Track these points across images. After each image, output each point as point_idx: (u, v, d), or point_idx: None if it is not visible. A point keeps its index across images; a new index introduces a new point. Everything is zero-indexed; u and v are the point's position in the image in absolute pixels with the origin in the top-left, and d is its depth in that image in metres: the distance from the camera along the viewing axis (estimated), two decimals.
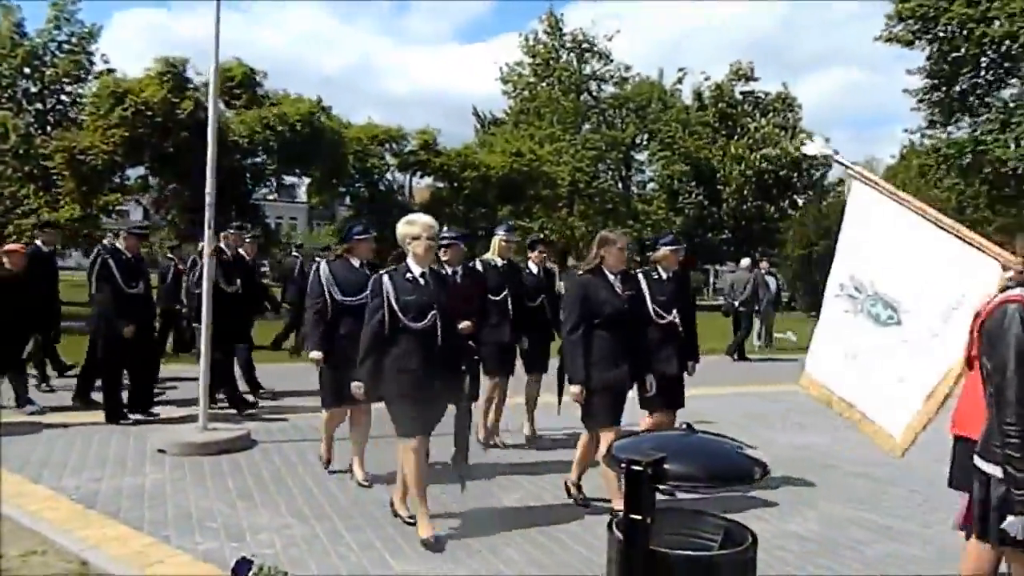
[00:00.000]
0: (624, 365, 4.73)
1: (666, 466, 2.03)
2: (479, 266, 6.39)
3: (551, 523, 4.72)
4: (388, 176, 27.83)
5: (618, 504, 4.55)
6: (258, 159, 23.04)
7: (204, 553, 4.10)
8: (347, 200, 28.93)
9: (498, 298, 6.31)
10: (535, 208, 29.14)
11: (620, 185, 36.65)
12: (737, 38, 71.69)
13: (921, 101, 24.83)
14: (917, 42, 23.84)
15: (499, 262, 6.42)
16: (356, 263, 5.34)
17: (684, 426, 2.15)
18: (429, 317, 4.31)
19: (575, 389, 4.63)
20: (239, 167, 21.82)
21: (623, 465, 2.03)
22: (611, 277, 4.79)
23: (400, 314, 4.29)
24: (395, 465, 5.24)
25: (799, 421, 8.18)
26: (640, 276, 5.31)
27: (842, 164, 4.00)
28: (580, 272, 4.90)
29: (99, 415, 7.08)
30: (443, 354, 4.35)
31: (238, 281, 7.76)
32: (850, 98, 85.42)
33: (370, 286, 4.44)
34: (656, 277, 5.35)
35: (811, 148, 4.60)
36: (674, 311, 5.28)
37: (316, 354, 5.26)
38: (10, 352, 7.27)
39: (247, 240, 8.60)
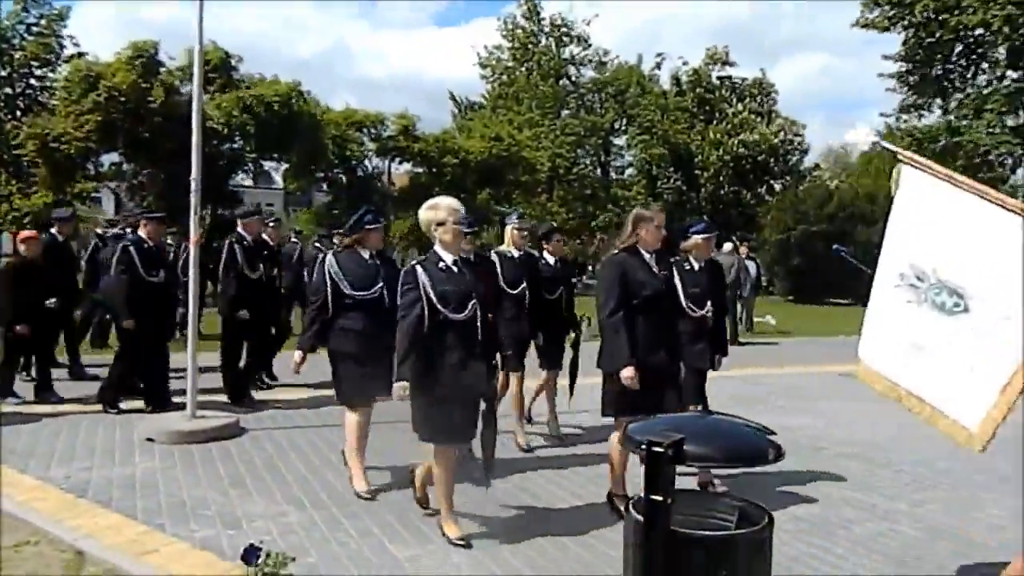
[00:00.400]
0: (662, 351, 4.43)
1: (685, 447, 2.04)
2: (494, 257, 6.04)
3: (550, 508, 4.75)
4: (366, 162, 27.65)
5: (617, 489, 4.55)
6: (235, 144, 22.74)
7: (201, 540, 4.07)
8: (324, 186, 28.67)
9: (515, 291, 5.98)
10: (514, 194, 29.10)
11: (599, 170, 36.73)
12: (714, 23, 71.73)
13: (897, 84, 25.08)
14: (892, 28, 24.06)
15: (515, 253, 6.14)
16: (366, 254, 5.03)
17: (699, 408, 2.17)
18: (469, 308, 4.04)
19: (629, 372, 4.22)
20: (216, 152, 21.52)
21: (642, 447, 2.04)
22: (647, 256, 4.48)
23: (439, 306, 4.00)
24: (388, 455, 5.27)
25: (782, 404, 8.27)
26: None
27: (890, 151, 3.91)
28: (615, 251, 4.55)
29: (87, 406, 6.99)
30: (483, 348, 4.16)
31: (262, 267, 7.52)
32: (826, 83, 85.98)
33: (403, 278, 4.09)
34: (688, 268, 5.07)
35: (854, 136, 4.58)
36: (707, 304, 5.03)
37: (298, 354, 4.99)
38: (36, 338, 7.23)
39: (271, 225, 8.38)
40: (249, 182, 32.52)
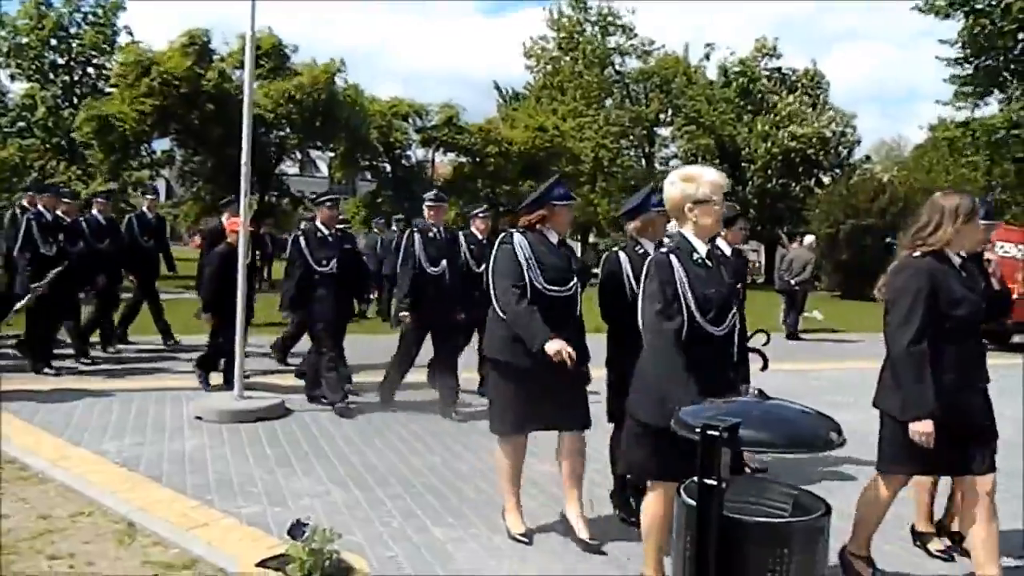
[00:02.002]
0: (975, 393, 3.39)
1: (741, 431, 1.99)
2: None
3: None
4: (410, 152, 27.84)
5: (858, 548, 3.75)
6: (282, 132, 23.05)
7: (248, 517, 4.13)
8: (368, 175, 28.95)
9: None
10: None
11: (643, 162, 36.39)
12: (765, 14, 70.52)
13: (953, 73, 24.29)
14: (954, 14, 23.26)
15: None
16: (554, 238, 4.01)
17: (756, 392, 2.12)
18: (728, 320, 3.15)
19: (924, 427, 3.18)
20: (263, 140, 21.86)
21: (698, 430, 2.00)
22: (956, 261, 3.40)
23: (698, 313, 3.06)
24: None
25: (832, 399, 8.08)
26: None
27: None
28: (917, 254, 3.39)
29: (135, 381, 7.17)
30: (737, 370, 3.46)
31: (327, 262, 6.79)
32: (878, 76, 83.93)
33: (651, 269, 3.13)
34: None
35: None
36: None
37: (553, 345, 3.65)
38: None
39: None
40: (295, 170, 33.01)
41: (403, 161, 27.25)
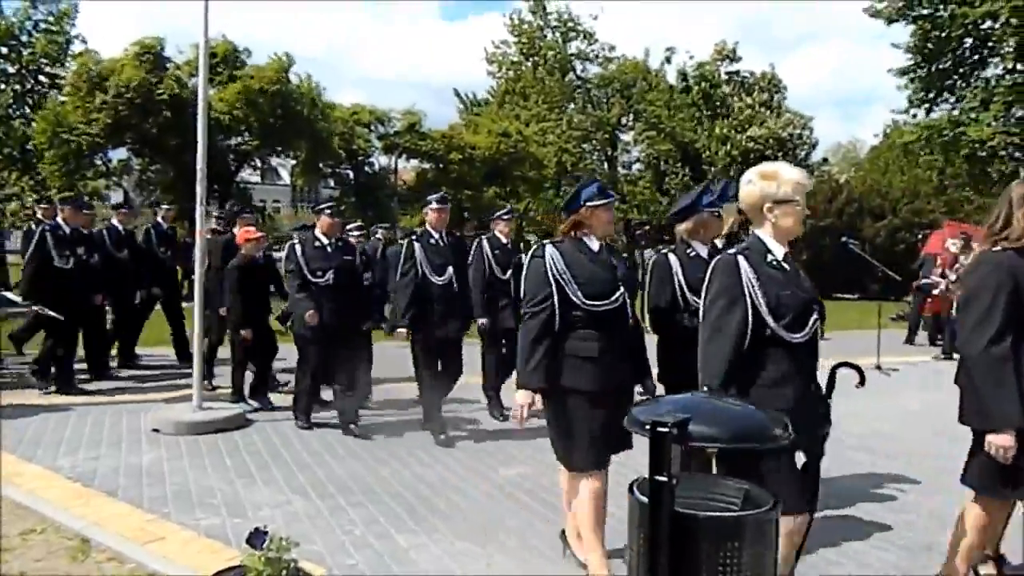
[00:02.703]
0: None
1: (691, 427, 2.02)
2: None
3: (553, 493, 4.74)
4: (373, 158, 27.69)
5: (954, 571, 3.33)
6: (241, 138, 22.77)
7: (206, 529, 4.07)
8: (331, 182, 28.73)
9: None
10: (521, 189, 29.08)
11: (606, 166, 36.62)
12: (722, 17, 71.49)
13: (904, 77, 24.90)
14: (901, 20, 23.87)
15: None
16: (594, 245, 3.57)
17: (705, 389, 2.16)
18: (808, 327, 2.86)
19: (1005, 440, 2.87)
20: (221, 146, 21.56)
21: (647, 427, 2.02)
22: None
23: (770, 318, 2.78)
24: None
25: None
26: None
27: None
28: (994, 248, 3.04)
29: (93, 396, 7.03)
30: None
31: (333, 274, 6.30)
32: (834, 78, 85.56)
33: (714, 272, 2.88)
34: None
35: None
36: None
37: (526, 396, 3.43)
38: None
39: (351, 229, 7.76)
40: (257, 178, 32.61)
41: (366, 168, 27.08)
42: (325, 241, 6.29)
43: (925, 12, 23.18)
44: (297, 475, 5.05)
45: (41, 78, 24.02)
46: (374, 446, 5.80)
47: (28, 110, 23.06)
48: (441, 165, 26.86)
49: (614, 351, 3.42)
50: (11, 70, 23.43)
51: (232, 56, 22.35)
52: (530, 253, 3.60)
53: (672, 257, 3.93)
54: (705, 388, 2.76)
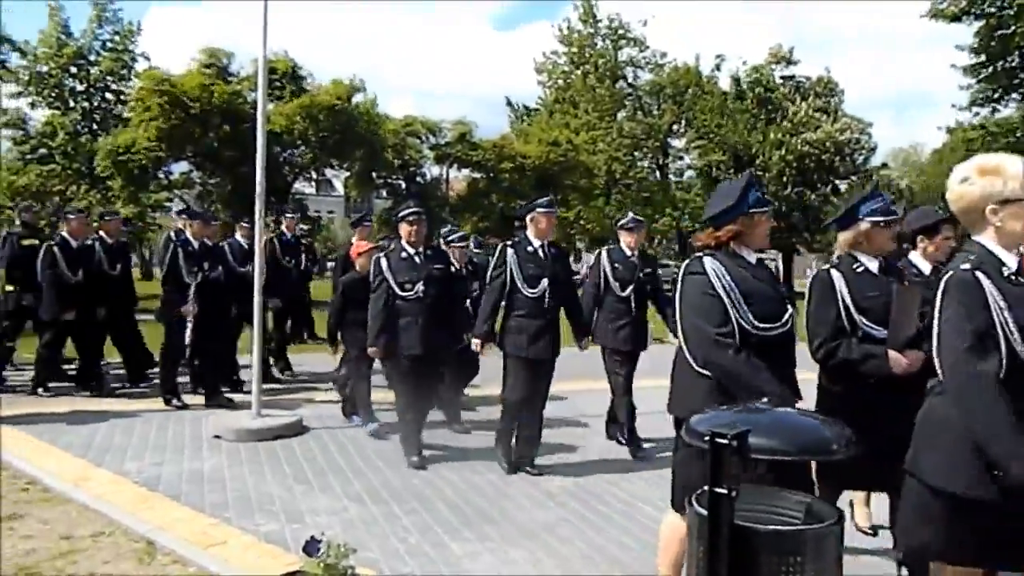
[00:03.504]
0: None
1: (751, 439, 1.98)
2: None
3: (603, 506, 4.71)
4: (425, 169, 28.02)
5: None
6: (297, 150, 23.30)
7: (265, 534, 4.15)
8: (384, 193, 29.16)
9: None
10: (572, 198, 29.06)
11: (657, 173, 36.40)
12: (776, 21, 70.46)
13: (968, 77, 24.15)
14: (964, 18, 23.17)
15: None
16: (751, 257, 3.09)
17: (765, 400, 2.13)
18: None
19: None
20: (278, 160, 22.09)
21: (706, 438, 1.99)
22: None
23: (1020, 345, 2.36)
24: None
25: None
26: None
27: None
28: None
29: (156, 402, 7.24)
30: None
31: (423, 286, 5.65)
32: (894, 81, 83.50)
33: (950, 292, 2.43)
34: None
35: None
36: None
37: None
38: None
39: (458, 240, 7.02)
40: (311, 189, 33.30)
41: (418, 178, 27.42)
42: (412, 251, 5.65)
43: (990, 9, 22.46)
44: (353, 482, 5.11)
45: (107, 95, 24.99)
46: (427, 453, 5.85)
47: (95, 126, 24.00)
48: (492, 175, 27.04)
49: (783, 383, 2.91)
50: (79, 88, 24.42)
51: (293, 73, 22.93)
52: (683, 269, 3.08)
53: (835, 273, 3.38)
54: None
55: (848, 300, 3.32)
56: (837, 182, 35.27)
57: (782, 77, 35.93)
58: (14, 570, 3.62)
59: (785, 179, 33.86)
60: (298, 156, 23.67)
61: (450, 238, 7.04)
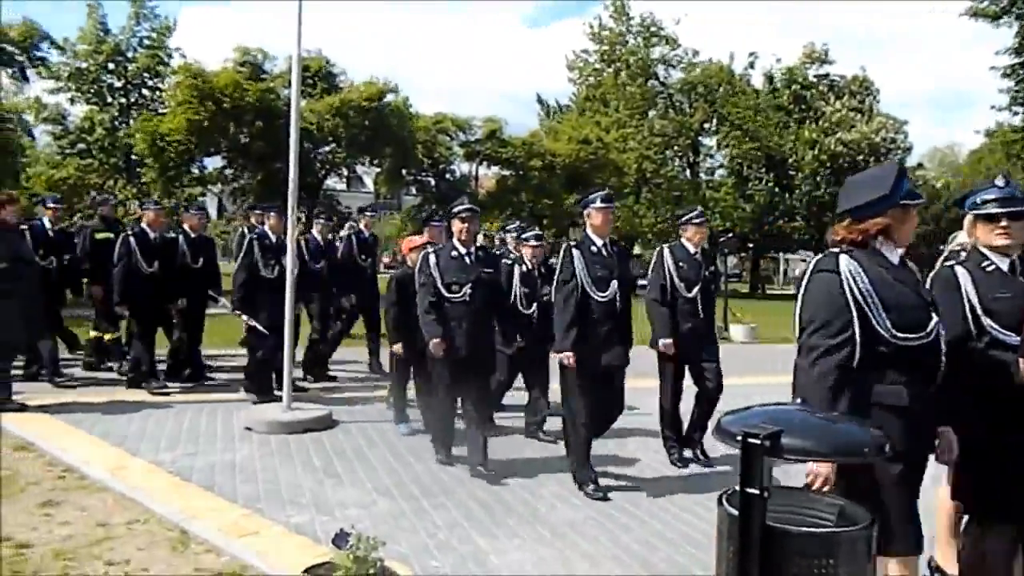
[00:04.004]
0: None
1: (783, 439, 1.97)
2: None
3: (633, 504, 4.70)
4: (455, 166, 28.13)
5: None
6: (327, 147, 23.54)
7: (296, 526, 4.20)
8: (413, 189, 29.34)
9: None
10: None
11: (688, 172, 36.12)
12: (811, 18, 69.58)
13: (1007, 78, 23.65)
14: (1004, 17, 22.70)
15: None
16: (895, 258, 2.74)
17: (799, 400, 2.10)
18: None
19: None
20: (310, 156, 22.31)
21: (739, 439, 1.98)
22: None
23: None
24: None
25: None
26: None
27: None
28: None
29: (190, 395, 7.36)
30: None
31: (468, 288, 5.43)
32: (930, 81, 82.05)
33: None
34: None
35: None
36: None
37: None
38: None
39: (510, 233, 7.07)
40: (342, 186, 33.57)
41: (447, 175, 27.53)
42: (463, 251, 5.33)
43: None
44: (382, 476, 5.16)
45: (144, 91, 25.41)
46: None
47: (132, 121, 24.43)
48: (521, 172, 27.06)
49: (926, 401, 2.60)
50: (117, 84, 24.85)
51: (326, 71, 23.17)
52: (812, 265, 2.77)
53: (960, 270, 3.03)
54: None
55: (975, 301, 2.98)
56: None
57: (816, 76, 35.50)
58: (52, 555, 3.71)
59: (819, 179, 33.46)
60: (329, 152, 23.89)
61: (524, 235, 6.67)
